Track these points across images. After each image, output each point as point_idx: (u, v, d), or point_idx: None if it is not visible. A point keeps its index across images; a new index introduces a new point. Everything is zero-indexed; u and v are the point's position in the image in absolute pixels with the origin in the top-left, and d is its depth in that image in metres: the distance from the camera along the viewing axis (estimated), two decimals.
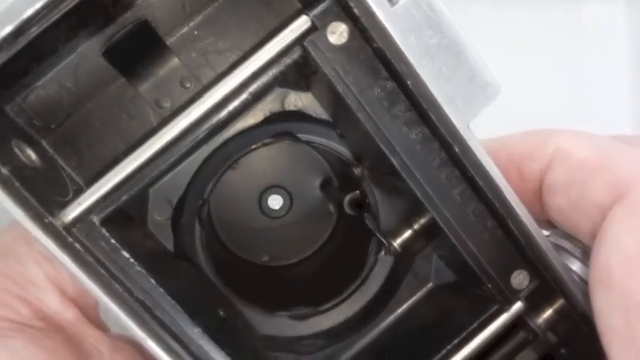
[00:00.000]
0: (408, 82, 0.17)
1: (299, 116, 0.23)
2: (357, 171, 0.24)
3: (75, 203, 0.17)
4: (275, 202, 0.30)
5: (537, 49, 0.42)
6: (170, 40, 0.20)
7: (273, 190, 0.29)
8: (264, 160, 0.26)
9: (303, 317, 0.25)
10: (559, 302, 0.21)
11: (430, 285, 0.24)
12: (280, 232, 0.29)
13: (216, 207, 0.26)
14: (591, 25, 0.43)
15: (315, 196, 0.29)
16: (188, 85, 0.21)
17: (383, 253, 0.25)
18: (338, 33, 0.17)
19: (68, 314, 0.20)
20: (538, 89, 0.41)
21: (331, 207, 0.30)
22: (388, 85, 0.18)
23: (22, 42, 0.16)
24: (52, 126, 0.20)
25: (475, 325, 0.20)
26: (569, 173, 0.19)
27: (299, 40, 0.17)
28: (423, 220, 0.22)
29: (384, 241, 0.24)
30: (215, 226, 0.27)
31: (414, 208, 0.22)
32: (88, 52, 0.19)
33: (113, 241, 0.17)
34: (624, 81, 0.44)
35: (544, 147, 0.19)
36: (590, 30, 0.43)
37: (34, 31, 0.16)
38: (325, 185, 0.29)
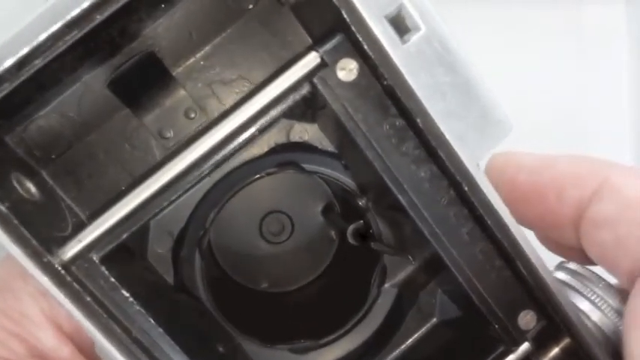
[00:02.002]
0: (418, 120, 0.17)
1: (304, 147, 0.22)
2: (361, 202, 0.24)
3: (75, 240, 0.16)
4: (276, 227, 0.29)
5: (537, 49, 0.42)
6: (176, 71, 0.20)
7: (275, 216, 0.29)
8: (265, 186, 0.26)
9: (303, 351, 0.25)
10: (565, 341, 0.20)
11: (434, 320, 0.23)
12: (281, 257, 0.29)
13: (215, 232, 0.26)
14: (591, 25, 0.43)
15: (317, 222, 0.29)
16: (192, 116, 0.20)
17: (387, 285, 0.25)
18: (348, 70, 0.17)
19: (64, 351, 0.19)
20: (538, 89, 0.41)
21: (333, 233, 0.29)
22: (397, 123, 0.17)
23: (25, 73, 0.16)
24: (53, 156, 0.19)
25: None
26: (619, 209, 0.18)
27: (308, 77, 0.17)
28: (427, 256, 0.22)
29: (399, 254, 0.24)
30: (214, 253, 0.27)
31: (417, 242, 0.22)
32: (92, 82, 0.19)
33: (112, 279, 0.16)
34: (624, 81, 0.44)
35: (592, 176, 0.19)
36: (590, 30, 0.43)
37: (39, 62, 0.16)
38: (327, 211, 0.29)
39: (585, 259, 0.21)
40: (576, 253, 0.21)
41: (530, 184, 0.20)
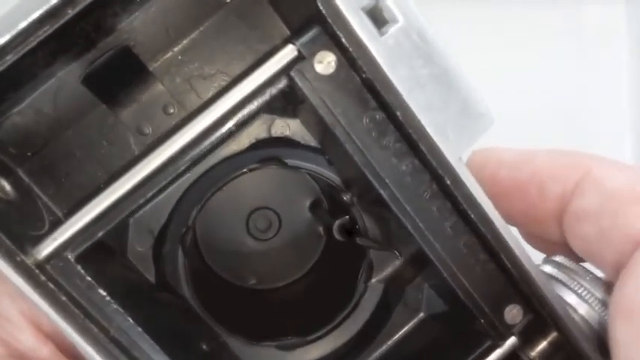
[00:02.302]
0: (398, 113, 0.17)
1: (286, 142, 0.22)
2: (346, 197, 0.24)
3: (49, 239, 0.16)
4: (263, 223, 0.29)
5: (537, 49, 0.42)
6: (153, 66, 0.19)
7: (261, 212, 0.29)
8: (251, 182, 0.26)
9: (290, 347, 0.24)
10: (552, 335, 0.20)
11: (421, 315, 0.23)
12: (268, 254, 0.29)
13: (201, 230, 0.26)
14: (591, 25, 0.43)
15: (304, 218, 0.29)
16: (171, 111, 0.20)
17: (373, 280, 0.25)
18: (325, 62, 0.16)
19: (43, 351, 0.19)
20: (538, 89, 0.41)
21: (320, 229, 0.29)
22: (377, 116, 0.17)
23: None
24: (29, 154, 0.19)
25: None
26: (601, 201, 0.18)
27: (285, 70, 0.16)
28: (412, 251, 0.22)
29: (385, 249, 0.23)
30: (201, 250, 0.27)
31: (401, 237, 0.22)
32: (67, 78, 0.18)
33: (89, 278, 0.16)
34: (624, 81, 0.44)
35: (572, 170, 0.19)
36: (590, 30, 0.43)
37: (10, 58, 0.15)
38: (315, 207, 0.28)
39: (570, 254, 0.21)
40: (560, 248, 0.21)
41: (511, 180, 0.20)
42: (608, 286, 0.20)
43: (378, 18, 0.16)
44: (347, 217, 0.25)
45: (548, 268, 0.22)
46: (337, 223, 0.25)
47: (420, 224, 0.18)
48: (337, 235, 0.25)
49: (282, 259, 0.29)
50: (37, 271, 0.16)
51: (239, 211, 0.28)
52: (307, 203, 0.28)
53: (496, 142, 0.20)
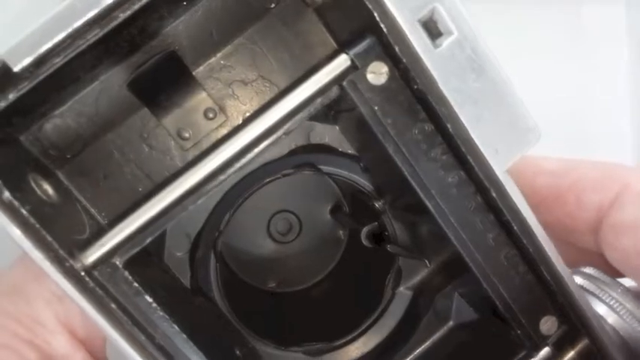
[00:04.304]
0: (448, 126, 0.17)
1: (324, 149, 0.22)
2: (378, 204, 0.24)
3: (97, 244, 0.16)
4: (284, 226, 0.29)
5: (537, 49, 0.42)
6: (196, 70, 0.19)
7: (283, 215, 0.29)
8: (274, 186, 0.26)
9: (317, 353, 0.24)
10: (582, 344, 0.21)
11: (451, 324, 0.23)
12: (288, 257, 0.29)
13: (225, 235, 0.26)
14: (591, 25, 0.43)
15: (325, 222, 0.29)
16: (212, 116, 0.20)
17: (402, 287, 0.25)
18: (378, 73, 0.16)
19: (77, 357, 0.19)
20: (537, 89, 0.41)
21: (341, 233, 0.29)
22: (426, 128, 0.17)
23: (43, 72, 0.15)
24: (68, 156, 0.19)
25: None
26: None
27: (338, 80, 0.16)
28: (445, 258, 0.22)
29: (415, 257, 0.23)
30: (224, 254, 0.27)
31: (435, 245, 0.22)
32: (110, 81, 0.18)
33: (136, 284, 0.16)
34: (624, 81, 0.44)
35: (612, 182, 0.19)
36: (590, 30, 0.43)
37: (58, 61, 0.15)
38: (335, 211, 0.28)
39: (602, 264, 0.21)
40: (592, 257, 0.21)
41: (549, 188, 0.20)
42: None
43: (432, 30, 0.16)
44: (376, 223, 0.25)
45: (577, 280, 0.22)
46: (366, 229, 0.25)
47: (463, 235, 0.18)
48: (365, 241, 0.25)
49: (302, 262, 0.29)
50: (86, 277, 0.15)
51: (260, 214, 0.28)
52: (328, 207, 0.28)
53: None
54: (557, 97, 0.42)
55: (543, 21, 0.42)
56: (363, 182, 0.24)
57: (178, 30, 0.18)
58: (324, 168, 0.23)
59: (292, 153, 0.22)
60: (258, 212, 0.28)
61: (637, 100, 0.44)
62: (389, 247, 0.24)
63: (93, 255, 0.16)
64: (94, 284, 0.15)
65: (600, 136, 0.44)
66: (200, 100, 0.19)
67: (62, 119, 0.18)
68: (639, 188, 0.19)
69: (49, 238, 0.15)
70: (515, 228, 0.18)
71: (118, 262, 0.16)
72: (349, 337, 0.25)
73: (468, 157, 0.17)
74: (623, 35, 0.44)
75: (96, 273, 0.16)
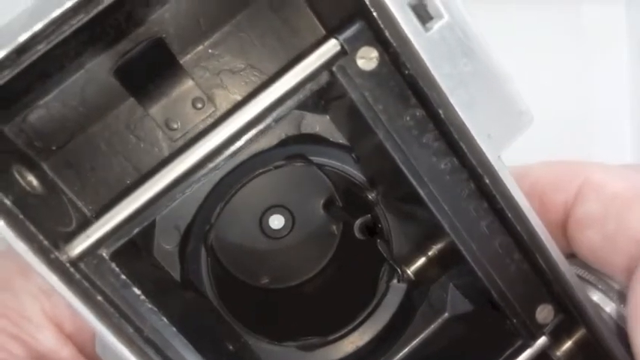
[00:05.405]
0: (440, 111, 0.16)
1: (315, 139, 0.22)
2: (371, 196, 0.23)
3: (83, 235, 0.15)
4: (276, 222, 0.29)
5: (537, 49, 0.42)
6: (183, 59, 0.19)
7: (275, 210, 0.28)
8: (265, 180, 0.25)
9: (311, 347, 0.24)
10: (579, 333, 0.20)
11: (446, 315, 0.23)
12: (281, 252, 0.28)
13: (216, 229, 0.25)
14: (591, 25, 0.43)
15: (318, 216, 0.28)
16: (200, 106, 0.20)
17: (396, 280, 0.24)
18: (368, 58, 0.16)
19: (64, 352, 0.18)
20: (537, 89, 0.41)
21: (334, 227, 0.29)
22: (417, 113, 0.17)
23: (26, 60, 0.15)
24: (54, 147, 0.18)
25: None
26: (604, 206, 0.18)
27: (327, 65, 0.16)
28: (439, 248, 0.22)
29: (397, 268, 0.23)
30: (215, 249, 0.26)
31: (429, 235, 0.22)
32: (96, 70, 0.18)
33: (123, 276, 0.16)
34: (624, 81, 0.44)
35: (571, 179, 0.19)
36: (590, 30, 0.43)
37: (41, 48, 0.15)
38: (328, 205, 0.28)
39: (579, 263, 0.21)
40: (568, 259, 0.21)
41: None
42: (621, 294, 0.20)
43: (422, 13, 0.16)
44: (369, 215, 0.25)
45: (574, 268, 0.22)
46: (358, 221, 0.25)
47: (457, 223, 0.18)
48: (358, 234, 0.25)
49: (295, 258, 0.28)
50: (71, 268, 0.15)
51: (252, 210, 0.28)
52: (321, 201, 0.28)
53: None
54: (556, 96, 0.42)
55: (543, 21, 0.42)
56: (356, 173, 0.23)
57: (165, 17, 0.18)
58: (316, 159, 0.23)
59: (283, 143, 0.21)
60: (250, 207, 0.28)
61: (637, 100, 0.44)
62: (378, 245, 0.23)
63: (79, 246, 0.15)
64: (79, 276, 0.15)
65: (600, 136, 0.44)
66: (188, 89, 0.19)
67: (47, 110, 0.18)
68: (599, 180, 0.19)
69: (33, 229, 0.15)
70: (509, 215, 0.18)
71: (104, 254, 0.15)
72: (344, 331, 0.24)
73: (461, 143, 0.17)
74: (623, 35, 0.44)
75: (82, 265, 0.15)
